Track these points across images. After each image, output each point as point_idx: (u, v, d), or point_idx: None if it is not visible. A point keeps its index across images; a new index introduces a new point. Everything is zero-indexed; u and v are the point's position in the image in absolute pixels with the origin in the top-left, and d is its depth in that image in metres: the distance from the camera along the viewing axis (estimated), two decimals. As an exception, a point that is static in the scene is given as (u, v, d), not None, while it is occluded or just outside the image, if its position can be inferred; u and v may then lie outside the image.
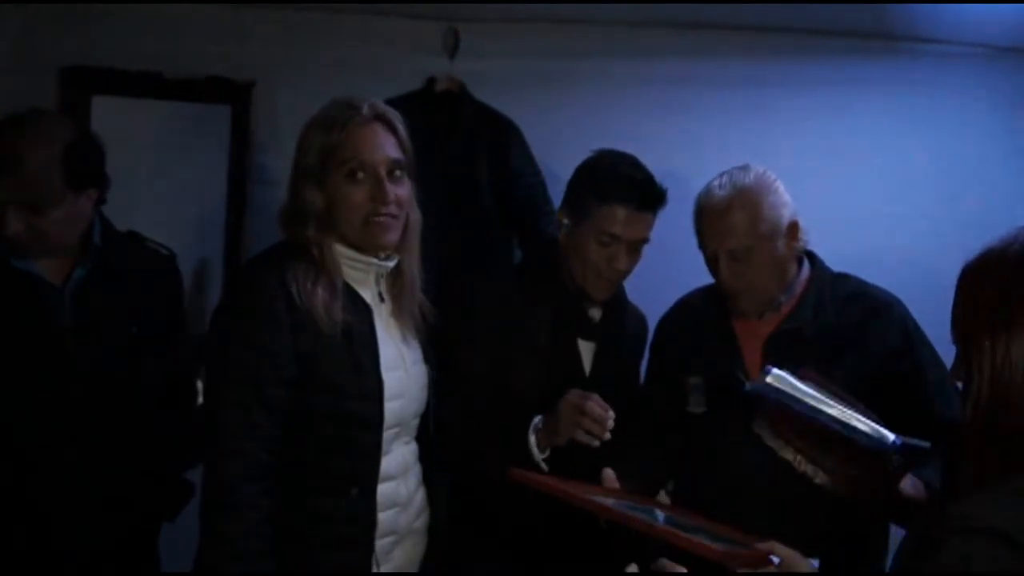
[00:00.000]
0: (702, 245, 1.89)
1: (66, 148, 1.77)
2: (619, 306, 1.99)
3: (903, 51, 2.68)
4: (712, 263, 1.87)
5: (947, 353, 1.94)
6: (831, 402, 1.61)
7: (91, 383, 1.83)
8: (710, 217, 1.84)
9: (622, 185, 1.84)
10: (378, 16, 2.65)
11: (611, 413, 1.70)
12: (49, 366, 1.81)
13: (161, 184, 2.65)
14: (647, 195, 1.85)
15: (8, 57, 2.56)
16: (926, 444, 1.59)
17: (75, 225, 1.84)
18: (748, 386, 1.69)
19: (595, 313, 1.95)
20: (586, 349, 1.94)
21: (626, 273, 1.90)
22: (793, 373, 1.66)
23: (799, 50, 2.68)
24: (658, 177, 2.56)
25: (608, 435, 1.70)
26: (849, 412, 1.60)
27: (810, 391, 1.63)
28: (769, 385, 1.63)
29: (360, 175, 1.62)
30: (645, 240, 1.88)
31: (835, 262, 2.04)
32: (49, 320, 1.82)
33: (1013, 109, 2.69)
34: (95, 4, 2.58)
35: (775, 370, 1.66)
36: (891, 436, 1.58)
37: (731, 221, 1.81)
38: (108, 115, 2.59)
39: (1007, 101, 2.69)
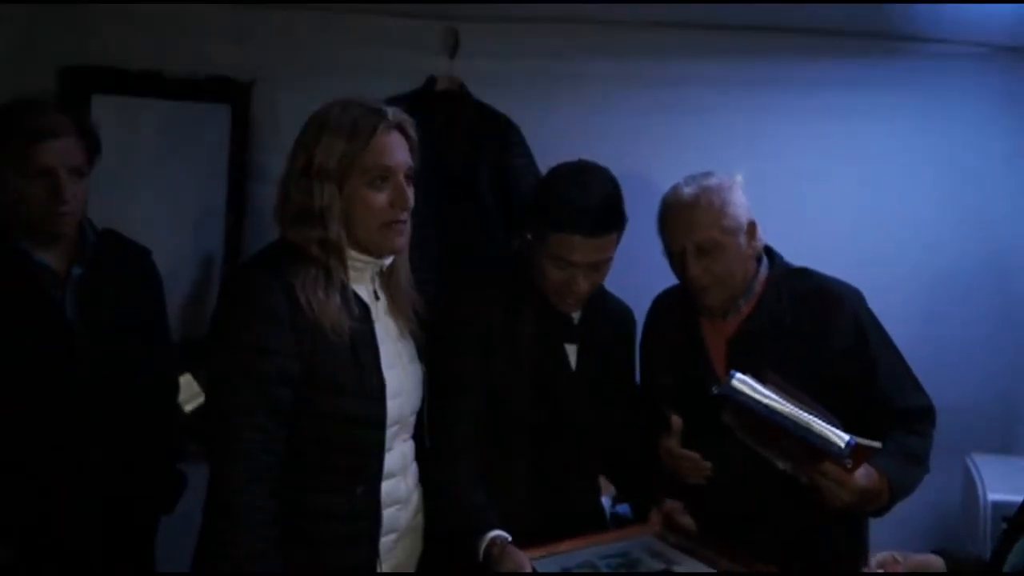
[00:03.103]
0: (669, 242, 1.94)
1: (76, 119, 1.87)
2: (597, 306, 1.98)
3: (903, 50, 2.68)
4: (678, 260, 1.92)
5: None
6: (789, 405, 1.70)
7: (96, 377, 1.86)
8: (678, 212, 1.91)
9: (570, 213, 1.78)
10: (378, 15, 2.65)
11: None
12: (59, 360, 1.83)
13: (161, 183, 2.65)
14: (597, 221, 1.79)
15: (8, 57, 2.55)
16: (878, 444, 1.69)
17: (84, 203, 1.88)
18: (715, 390, 1.76)
19: (576, 314, 1.95)
20: (570, 350, 1.94)
21: (589, 290, 1.87)
22: (756, 376, 1.74)
23: (799, 50, 2.69)
24: (656, 177, 2.58)
25: None
26: (804, 415, 1.68)
27: (770, 394, 1.72)
28: (733, 388, 1.73)
29: (381, 181, 1.63)
30: (604, 260, 1.85)
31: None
32: (60, 314, 1.85)
33: (1013, 108, 2.69)
34: (95, 4, 2.58)
35: (739, 374, 1.75)
36: (845, 438, 1.65)
37: (698, 214, 1.88)
38: (108, 114, 2.57)
39: (1007, 100, 2.69)
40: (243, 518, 1.51)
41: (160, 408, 2.04)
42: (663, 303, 2.11)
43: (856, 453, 1.66)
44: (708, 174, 1.95)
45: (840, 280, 1.98)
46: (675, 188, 1.95)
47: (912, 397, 1.92)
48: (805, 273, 1.99)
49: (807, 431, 1.66)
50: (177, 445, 2.10)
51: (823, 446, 1.65)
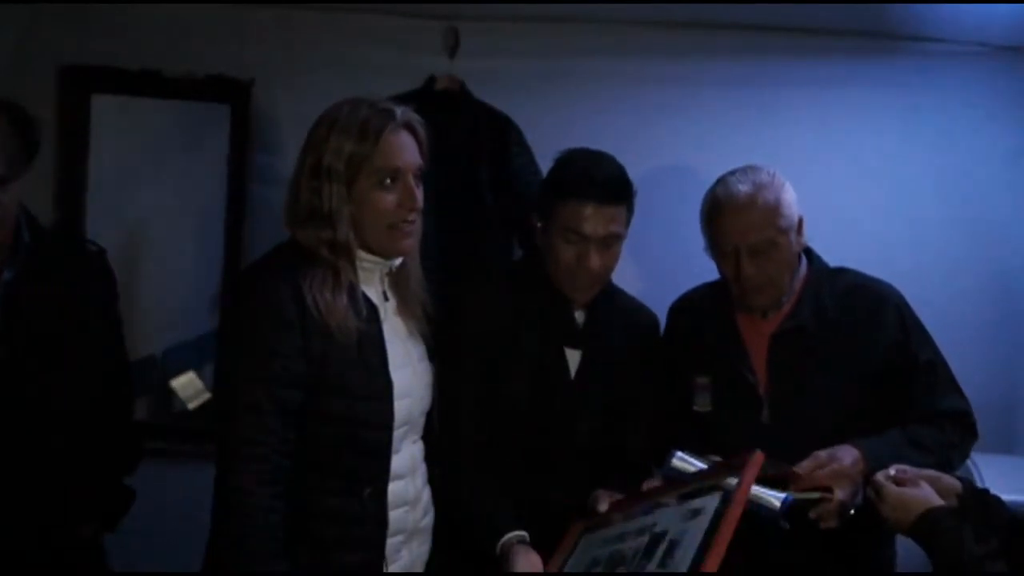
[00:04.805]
0: (718, 242, 1.89)
1: (12, 118, 1.75)
2: (607, 308, 1.94)
3: (903, 50, 2.68)
4: (730, 260, 1.88)
5: (948, 348, 1.98)
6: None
7: (24, 387, 1.76)
8: (732, 212, 1.86)
9: (580, 181, 1.80)
10: (378, 15, 2.65)
11: None
12: None
13: (161, 183, 2.65)
14: (607, 189, 1.79)
15: (8, 57, 2.56)
16: (816, 495, 1.72)
17: (14, 209, 1.77)
18: (656, 471, 1.80)
19: (580, 317, 1.91)
20: (572, 356, 1.91)
21: (602, 272, 1.84)
22: (694, 453, 1.77)
23: (799, 49, 2.68)
24: (657, 177, 2.58)
25: None
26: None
27: (703, 465, 1.76)
28: (673, 467, 1.76)
29: (390, 181, 1.62)
30: (615, 236, 1.83)
31: (832, 260, 2.05)
32: None
33: (1013, 108, 2.69)
34: (94, 3, 2.58)
35: (679, 452, 1.77)
36: (780, 496, 1.68)
37: (755, 215, 1.84)
38: (108, 114, 2.59)
39: (1007, 100, 2.69)
40: (255, 520, 1.51)
41: (106, 420, 1.91)
42: (692, 303, 2.08)
43: (797, 507, 1.69)
44: (756, 168, 1.91)
45: (878, 278, 1.97)
46: (726, 185, 1.89)
47: (945, 399, 1.90)
48: (843, 271, 1.99)
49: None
50: (133, 457, 1.99)
51: (756, 510, 1.66)
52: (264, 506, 1.52)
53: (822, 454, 1.76)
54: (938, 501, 1.55)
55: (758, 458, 1.66)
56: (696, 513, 1.65)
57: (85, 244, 1.95)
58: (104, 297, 1.95)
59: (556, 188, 1.84)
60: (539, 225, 1.89)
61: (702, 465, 1.74)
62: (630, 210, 1.86)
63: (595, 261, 1.80)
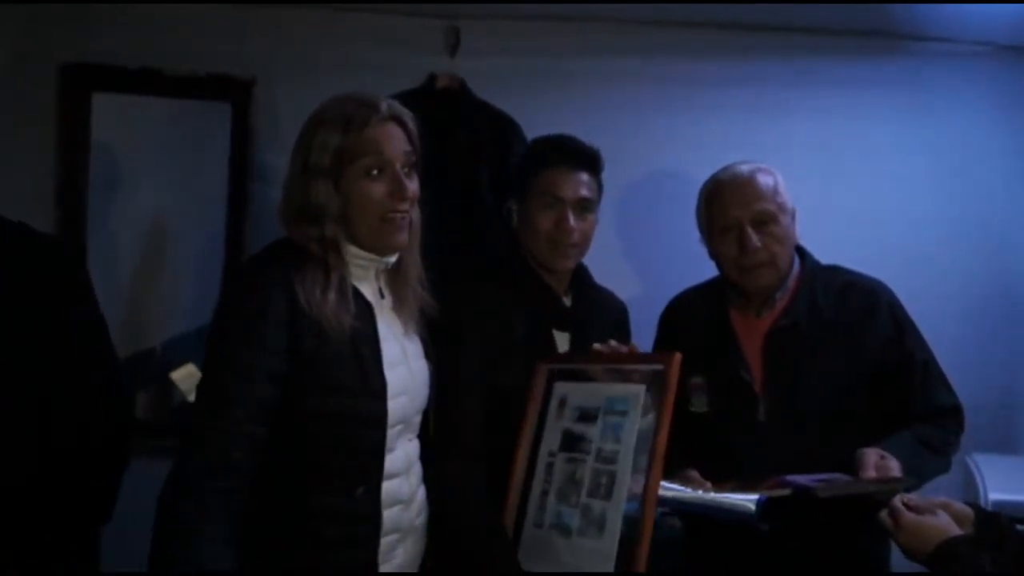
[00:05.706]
0: (720, 219, 1.93)
1: None
2: (588, 294, 2.00)
3: (905, 49, 2.68)
4: (732, 236, 1.91)
5: (937, 345, 1.98)
6: (691, 491, 1.75)
7: None
8: (735, 186, 1.93)
9: (552, 151, 1.93)
10: (379, 14, 2.65)
11: None
12: None
13: (161, 182, 2.65)
14: (578, 156, 1.92)
15: (8, 55, 2.56)
16: (786, 491, 1.69)
17: None
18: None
19: (567, 301, 1.96)
20: (561, 339, 1.94)
21: (579, 238, 1.90)
22: (675, 480, 1.76)
23: (800, 48, 2.69)
24: (656, 175, 2.58)
25: None
26: (708, 495, 1.73)
27: (675, 487, 1.75)
28: (659, 496, 1.74)
29: (377, 172, 1.62)
30: (588, 201, 1.91)
31: (835, 259, 2.05)
32: None
33: (1015, 107, 2.69)
34: (95, 2, 2.58)
35: (662, 482, 1.74)
36: (753, 499, 1.67)
37: (756, 188, 1.92)
38: (108, 112, 2.59)
39: (1009, 99, 2.69)
40: (192, 503, 1.44)
41: (81, 428, 1.79)
42: (684, 304, 2.10)
43: (770, 505, 1.69)
44: (751, 161, 1.99)
45: (869, 275, 2.00)
46: (727, 169, 1.98)
47: (940, 395, 1.93)
48: (836, 269, 2.01)
49: (717, 509, 1.71)
50: (116, 468, 1.86)
51: (733, 518, 1.68)
52: (205, 493, 1.44)
53: (876, 452, 1.76)
54: (956, 530, 1.52)
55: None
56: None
57: (45, 240, 1.83)
58: (66, 293, 1.81)
59: (530, 164, 1.95)
60: (515, 208, 1.96)
61: (683, 489, 1.75)
62: (600, 184, 1.95)
63: (573, 222, 1.88)
